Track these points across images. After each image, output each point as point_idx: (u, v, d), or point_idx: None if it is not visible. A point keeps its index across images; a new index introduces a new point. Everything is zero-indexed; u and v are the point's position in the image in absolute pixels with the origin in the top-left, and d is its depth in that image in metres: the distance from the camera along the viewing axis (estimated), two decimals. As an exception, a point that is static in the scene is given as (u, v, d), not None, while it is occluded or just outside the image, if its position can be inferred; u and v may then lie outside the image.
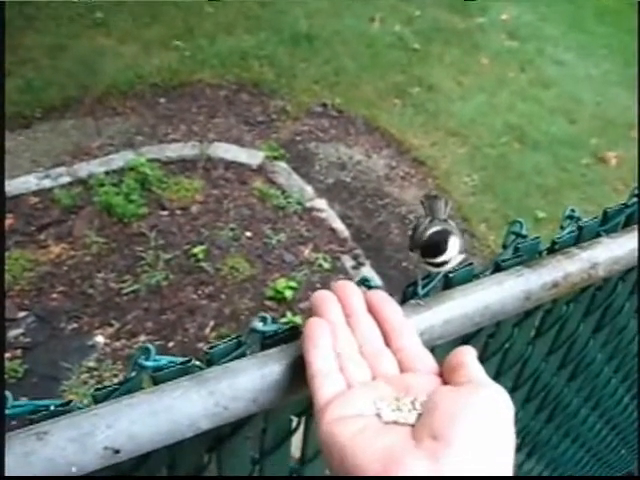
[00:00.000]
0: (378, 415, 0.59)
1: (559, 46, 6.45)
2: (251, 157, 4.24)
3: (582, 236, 0.98)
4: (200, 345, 3.17)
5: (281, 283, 3.47)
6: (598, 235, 1.00)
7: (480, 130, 5.04)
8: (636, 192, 1.08)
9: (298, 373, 0.68)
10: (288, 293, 3.43)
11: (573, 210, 1.00)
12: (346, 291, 0.70)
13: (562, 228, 0.98)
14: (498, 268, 0.88)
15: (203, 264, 3.53)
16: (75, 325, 3.24)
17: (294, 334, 0.72)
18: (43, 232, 3.62)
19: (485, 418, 0.57)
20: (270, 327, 0.72)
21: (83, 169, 4.01)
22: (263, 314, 0.73)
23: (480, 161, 4.75)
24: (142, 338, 3.20)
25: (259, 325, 0.71)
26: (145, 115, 4.50)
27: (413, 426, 0.58)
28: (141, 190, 3.84)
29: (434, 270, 0.81)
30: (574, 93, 5.79)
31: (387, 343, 0.69)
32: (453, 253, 0.77)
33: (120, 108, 4.54)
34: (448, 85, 5.48)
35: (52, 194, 3.83)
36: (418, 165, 4.60)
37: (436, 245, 0.77)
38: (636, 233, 1.01)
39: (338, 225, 3.94)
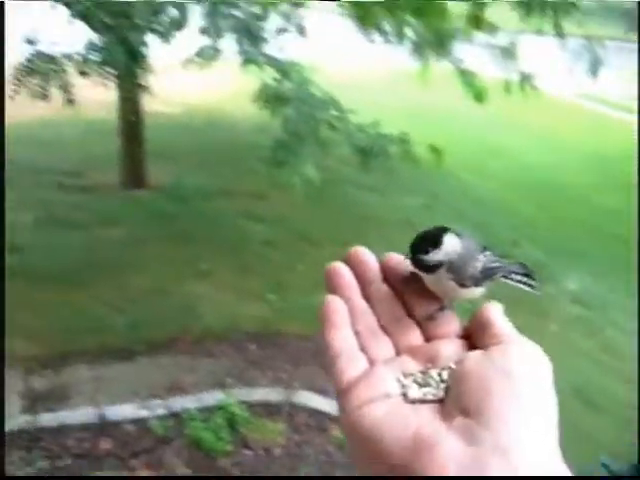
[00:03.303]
0: (404, 394, 0.57)
1: (627, 314, 6.72)
2: (332, 406, 4.55)
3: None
4: None
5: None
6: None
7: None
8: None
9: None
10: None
11: None
12: (359, 260, 0.66)
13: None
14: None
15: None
16: None
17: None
18: (135, 459, 3.92)
19: (520, 382, 0.53)
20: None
21: (177, 403, 4.39)
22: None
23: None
24: None
25: None
26: (236, 359, 4.94)
27: (442, 401, 0.56)
28: (228, 428, 4.15)
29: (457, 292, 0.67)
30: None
31: (408, 311, 0.65)
32: (449, 251, 0.65)
33: (214, 350, 5.00)
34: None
35: (147, 424, 4.18)
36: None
37: (426, 238, 0.65)
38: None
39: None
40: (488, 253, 0.70)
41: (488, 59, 6.68)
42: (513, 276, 0.76)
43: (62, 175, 7.83)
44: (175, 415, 4.27)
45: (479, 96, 6.20)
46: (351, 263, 0.65)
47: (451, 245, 0.65)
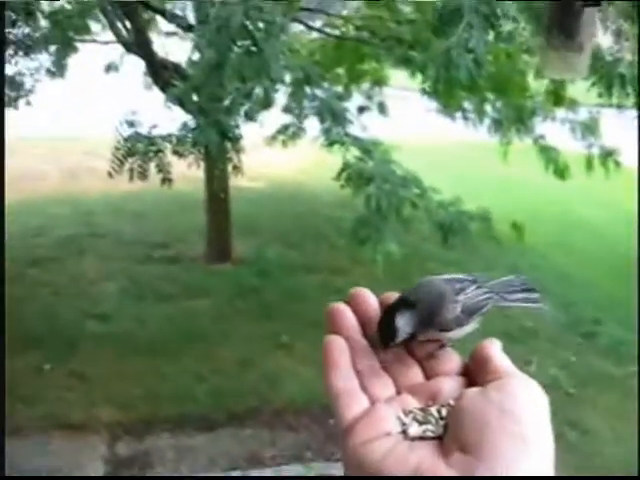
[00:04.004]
0: (404, 432, 0.58)
1: None
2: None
3: None
4: None
5: None
6: None
7: None
8: None
9: None
10: None
11: None
12: (359, 300, 0.67)
13: None
14: None
15: None
16: None
17: None
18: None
19: (516, 417, 0.54)
20: None
21: (256, 475, 4.42)
22: None
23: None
24: None
25: None
26: (316, 433, 4.95)
27: (441, 438, 0.57)
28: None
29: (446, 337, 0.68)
30: None
31: (408, 349, 0.67)
32: (407, 329, 0.65)
33: (294, 423, 5.03)
34: (602, 430, 5.59)
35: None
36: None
37: (383, 330, 0.65)
38: None
39: None
40: (471, 289, 0.70)
41: (569, 134, 6.69)
42: (510, 297, 0.74)
43: (149, 246, 8.16)
44: (254, 490, 4.30)
45: (561, 173, 6.20)
46: (352, 303, 0.67)
47: (405, 323, 0.65)
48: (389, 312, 0.65)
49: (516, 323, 7.10)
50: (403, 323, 0.64)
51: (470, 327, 0.69)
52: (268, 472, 4.44)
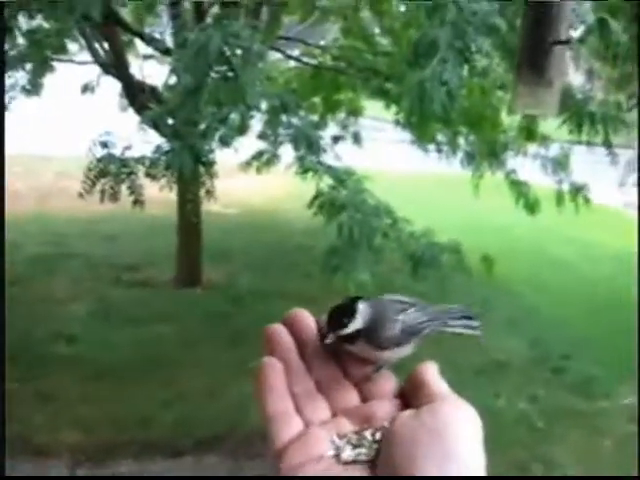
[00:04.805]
0: (337, 455, 0.58)
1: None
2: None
3: None
4: None
5: None
6: None
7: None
8: None
9: None
10: None
11: None
12: (297, 321, 0.67)
13: None
14: None
15: None
16: None
17: None
18: None
19: (448, 441, 0.54)
20: None
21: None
22: None
23: None
24: None
25: None
26: (282, 461, 4.89)
27: (374, 461, 0.57)
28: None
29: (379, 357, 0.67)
30: None
31: (345, 371, 0.66)
32: (364, 319, 0.66)
33: (260, 451, 4.95)
34: (570, 465, 5.59)
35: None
36: None
37: (341, 311, 0.66)
38: None
39: None
40: (411, 311, 0.69)
41: (540, 169, 6.78)
42: (450, 322, 0.74)
43: (119, 269, 8.09)
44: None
45: (531, 207, 6.27)
46: (289, 325, 0.67)
47: (364, 313, 0.66)
48: (350, 299, 0.66)
49: (486, 356, 7.12)
50: (362, 311, 0.65)
51: (406, 350, 0.69)
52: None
